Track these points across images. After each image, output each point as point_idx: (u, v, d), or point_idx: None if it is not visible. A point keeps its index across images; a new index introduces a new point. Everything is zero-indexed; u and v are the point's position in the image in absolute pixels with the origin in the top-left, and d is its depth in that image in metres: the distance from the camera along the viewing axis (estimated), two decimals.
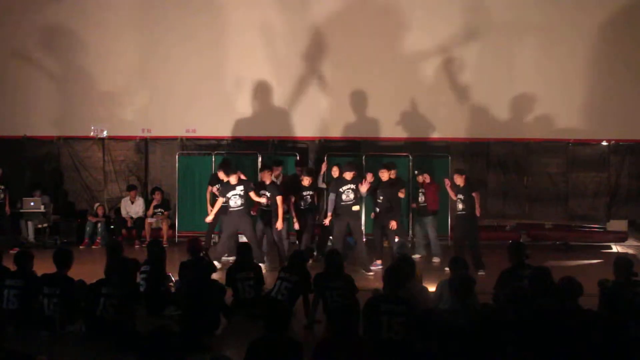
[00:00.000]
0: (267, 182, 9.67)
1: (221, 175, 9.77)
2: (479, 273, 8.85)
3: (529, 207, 12.67)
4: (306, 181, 9.79)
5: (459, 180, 9.62)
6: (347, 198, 9.29)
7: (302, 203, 9.95)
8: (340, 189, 9.31)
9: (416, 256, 10.19)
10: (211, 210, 9.82)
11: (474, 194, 9.51)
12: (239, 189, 9.30)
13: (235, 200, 9.31)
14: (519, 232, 11.89)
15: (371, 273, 9.12)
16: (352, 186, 9.29)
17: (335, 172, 9.88)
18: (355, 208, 9.34)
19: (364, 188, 9.30)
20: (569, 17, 12.52)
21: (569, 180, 12.65)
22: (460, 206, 9.55)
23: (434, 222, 10.62)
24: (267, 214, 9.73)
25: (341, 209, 9.31)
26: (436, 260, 10.28)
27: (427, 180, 10.61)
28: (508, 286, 5.86)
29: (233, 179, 9.30)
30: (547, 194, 12.69)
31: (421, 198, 10.65)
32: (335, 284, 6.45)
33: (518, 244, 6.86)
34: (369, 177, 9.73)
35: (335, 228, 9.44)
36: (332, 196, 9.40)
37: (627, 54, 12.57)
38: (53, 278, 6.33)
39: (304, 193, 9.93)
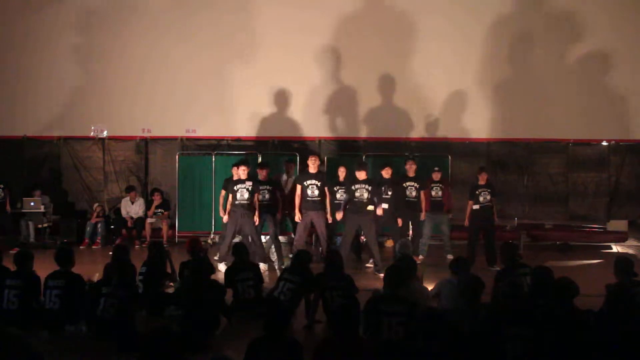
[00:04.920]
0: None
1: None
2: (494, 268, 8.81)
3: (529, 207, 12.68)
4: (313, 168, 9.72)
5: (483, 179, 10.04)
6: (361, 196, 9.17)
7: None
8: (354, 187, 9.23)
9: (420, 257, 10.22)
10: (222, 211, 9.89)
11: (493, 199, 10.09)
12: (248, 184, 9.39)
13: (242, 193, 9.37)
14: (518, 232, 11.88)
15: (382, 274, 9.06)
16: (366, 186, 9.19)
17: (342, 172, 9.87)
18: (370, 208, 9.22)
19: (380, 211, 9.29)
20: (569, 17, 12.52)
21: (569, 180, 12.66)
22: (485, 198, 9.93)
23: (448, 221, 10.68)
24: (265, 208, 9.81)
25: (352, 213, 9.25)
26: (450, 257, 10.28)
27: (438, 178, 10.62)
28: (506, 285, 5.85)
29: (243, 174, 9.37)
30: (547, 194, 12.70)
31: (437, 192, 10.56)
32: (335, 284, 6.44)
33: (509, 245, 6.88)
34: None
35: (345, 227, 9.41)
36: (344, 197, 9.40)
37: (627, 54, 12.57)
38: (58, 273, 6.42)
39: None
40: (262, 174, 9.92)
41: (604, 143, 12.69)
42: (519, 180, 12.73)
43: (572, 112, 12.62)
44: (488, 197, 9.96)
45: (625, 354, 4.34)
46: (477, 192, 10.00)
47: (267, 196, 9.85)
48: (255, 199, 9.43)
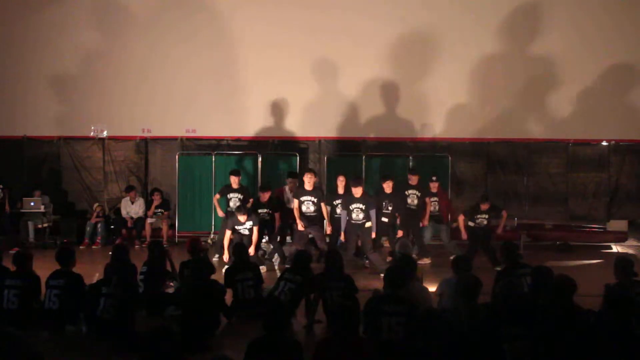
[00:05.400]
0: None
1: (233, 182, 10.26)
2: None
3: (529, 207, 12.67)
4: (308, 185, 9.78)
5: (485, 206, 10.02)
6: (357, 217, 9.25)
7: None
8: (350, 207, 9.29)
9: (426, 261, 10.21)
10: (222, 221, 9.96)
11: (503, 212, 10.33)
12: (248, 224, 9.43)
13: (244, 231, 9.48)
14: (519, 232, 11.89)
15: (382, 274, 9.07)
16: (362, 206, 9.24)
17: (341, 181, 9.90)
18: (368, 224, 9.29)
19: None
20: (569, 17, 12.53)
21: (569, 180, 12.66)
22: (481, 222, 10.02)
23: (448, 230, 10.67)
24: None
25: (351, 227, 9.32)
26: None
27: (435, 189, 10.64)
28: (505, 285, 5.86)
29: (242, 218, 9.35)
30: (547, 194, 12.70)
31: (434, 207, 10.61)
32: (335, 284, 6.45)
33: (510, 245, 6.90)
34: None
35: (346, 236, 9.48)
36: (343, 213, 9.46)
37: (627, 54, 12.57)
38: (59, 272, 6.45)
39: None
40: (264, 197, 10.00)
41: (604, 143, 12.69)
42: (519, 180, 12.73)
43: (572, 112, 12.62)
44: (485, 223, 10.04)
45: (625, 354, 4.35)
46: (476, 216, 10.06)
47: (267, 217, 9.94)
48: (255, 231, 9.45)
